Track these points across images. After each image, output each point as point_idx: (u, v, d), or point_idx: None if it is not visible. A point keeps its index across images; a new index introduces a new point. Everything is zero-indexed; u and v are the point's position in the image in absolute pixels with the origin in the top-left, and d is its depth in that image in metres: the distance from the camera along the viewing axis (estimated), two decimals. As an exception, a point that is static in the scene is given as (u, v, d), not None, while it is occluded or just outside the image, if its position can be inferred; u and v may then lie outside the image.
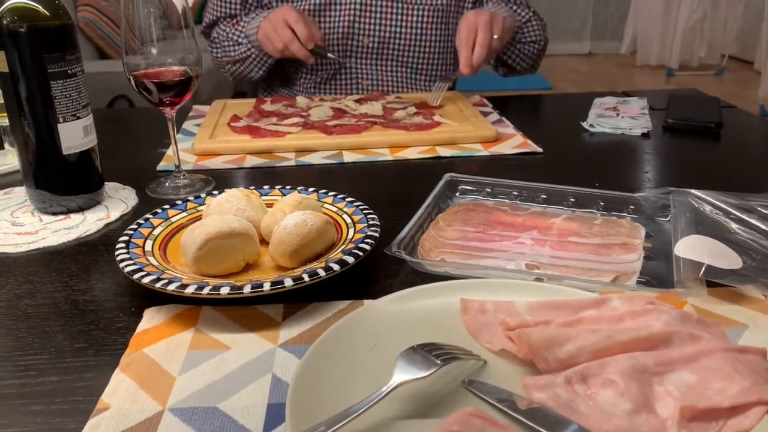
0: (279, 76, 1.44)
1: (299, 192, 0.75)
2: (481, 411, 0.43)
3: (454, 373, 0.48)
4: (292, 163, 0.97)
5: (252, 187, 0.76)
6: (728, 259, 0.60)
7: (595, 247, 0.67)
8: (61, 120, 0.75)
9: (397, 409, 0.44)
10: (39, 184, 0.78)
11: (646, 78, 5.14)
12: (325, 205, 0.72)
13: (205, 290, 0.55)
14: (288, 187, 0.77)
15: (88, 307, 0.59)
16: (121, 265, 0.59)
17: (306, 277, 0.57)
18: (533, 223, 0.72)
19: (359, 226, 0.67)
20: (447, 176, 0.82)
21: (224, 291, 0.55)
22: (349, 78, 1.39)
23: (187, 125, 1.15)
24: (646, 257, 0.65)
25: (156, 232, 0.67)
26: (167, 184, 0.87)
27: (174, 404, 0.47)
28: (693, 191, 0.74)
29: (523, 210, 0.76)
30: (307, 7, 1.31)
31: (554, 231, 0.70)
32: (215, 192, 0.74)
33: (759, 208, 0.71)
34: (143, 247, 0.64)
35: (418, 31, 1.35)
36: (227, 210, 0.67)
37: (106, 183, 0.84)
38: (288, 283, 0.56)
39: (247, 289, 0.55)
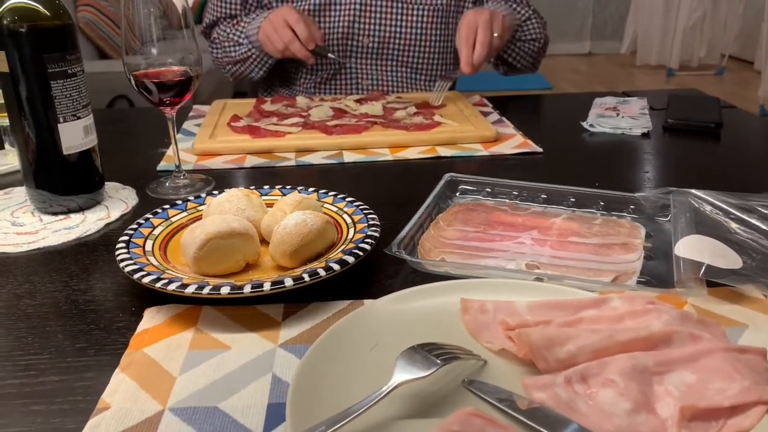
0: (279, 76, 1.44)
1: (299, 192, 0.75)
2: (481, 411, 0.43)
3: (454, 373, 0.48)
4: (292, 163, 0.97)
5: (252, 187, 0.76)
6: (728, 258, 0.60)
7: (595, 247, 0.67)
8: (61, 120, 0.75)
9: (397, 408, 0.44)
10: (39, 184, 0.78)
11: (646, 78, 5.14)
12: (326, 205, 0.72)
13: (206, 290, 0.55)
14: (288, 187, 0.77)
15: (88, 307, 0.59)
16: (122, 264, 0.59)
17: (306, 277, 0.57)
18: (533, 223, 0.72)
19: (359, 226, 0.67)
20: (447, 176, 0.82)
21: (224, 291, 0.55)
22: (349, 78, 1.39)
23: (187, 125, 1.16)
24: (646, 257, 0.65)
25: (156, 232, 0.67)
26: (167, 184, 0.87)
27: (174, 404, 0.47)
28: (693, 191, 0.74)
29: (523, 210, 0.76)
30: (306, 7, 1.31)
31: (554, 231, 0.70)
32: (215, 192, 0.74)
33: (759, 208, 0.71)
34: (143, 247, 0.64)
35: (418, 30, 1.35)
36: (227, 210, 0.67)
37: (106, 183, 0.84)
38: (288, 282, 0.56)
39: (247, 289, 0.55)
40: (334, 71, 1.38)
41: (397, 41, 1.35)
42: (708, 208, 0.72)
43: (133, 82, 0.80)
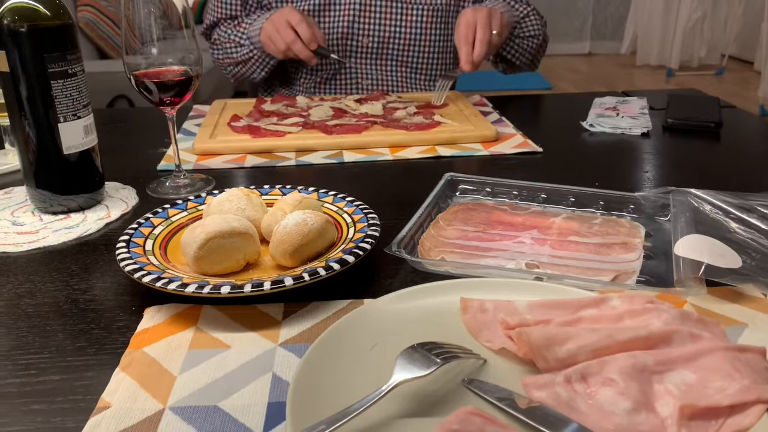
0: (279, 76, 1.44)
1: (299, 191, 0.75)
2: (481, 410, 0.43)
3: (454, 372, 0.48)
4: (293, 162, 0.97)
5: (252, 187, 0.76)
6: (728, 258, 0.60)
7: (595, 247, 0.67)
8: (61, 119, 0.75)
9: (397, 407, 0.44)
10: (39, 184, 0.78)
11: (646, 78, 5.14)
12: (326, 205, 0.72)
13: (206, 289, 0.55)
14: (288, 186, 0.77)
15: (88, 306, 0.59)
16: (122, 264, 0.59)
17: (306, 277, 0.57)
18: (533, 223, 0.72)
19: (359, 226, 0.67)
20: (447, 176, 0.82)
21: (225, 290, 0.55)
22: (348, 78, 1.39)
23: (188, 125, 1.16)
24: (645, 256, 0.65)
25: (156, 231, 0.67)
26: (168, 183, 0.87)
27: (174, 403, 0.47)
28: (693, 191, 0.74)
29: (523, 209, 0.76)
30: (306, 7, 1.31)
31: (554, 230, 0.70)
32: (215, 191, 0.74)
33: (758, 208, 0.71)
34: (144, 247, 0.64)
35: (418, 30, 1.35)
36: (227, 209, 0.67)
37: (106, 182, 0.84)
38: (288, 282, 0.56)
39: (247, 289, 0.55)
40: (334, 71, 1.38)
41: (396, 41, 1.36)
42: (708, 207, 0.72)
43: (133, 82, 0.80)
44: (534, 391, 0.45)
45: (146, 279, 0.57)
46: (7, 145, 1.00)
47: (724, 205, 0.71)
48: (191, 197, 0.74)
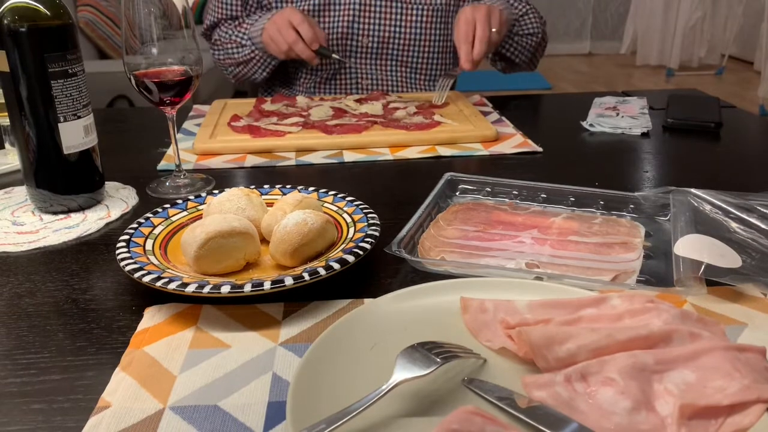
0: (279, 76, 1.44)
1: (299, 191, 0.75)
2: (481, 409, 0.43)
3: (454, 372, 0.48)
4: (293, 162, 0.97)
5: (252, 187, 0.76)
6: (728, 258, 0.60)
7: (595, 246, 0.67)
8: (61, 119, 0.75)
9: (397, 407, 0.44)
10: (40, 184, 0.78)
11: (646, 78, 5.14)
12: (326, 205, 0.72)
13: (206, 289, 0.55)
14: (288, 186, 0.77)
15: (88, 306, 0.59)
16: (122, 264, 0.59)
17: (306, 276, 0.57)
18: (533, 222, 0.72)
19: (359, 225, 0.67)
20: (447, 175, 0.82)
21: (225, 290, 0.55)
22: (348, 78, 1.39)
23: (188, 125, 1.16)
24: (645, 256, 0.65)
25: (156, 231, 0.67)
26: (168, 183, 0.87)
27: (174, 402, 0.47)
28: (693, 190, 0.74)
29: (523, 209, 0.76)
30: (306, 7, 1.31)
31: (554, 230, 0.70)
32: (216, 191, 0.74)
33: (758, 207, 0.71)
34: (144, 246, 0.64)
35: (417, 30, 1.35)
36: (228, 209, 0.67)
37: (106, 182, 0.84)
38: (288, 281, 0.56)
39: (247, 288, 0.55)
40: (334, 71, 1.38)
41: (396, 41, 1.36)
42: (707, 207, 0.72)
43: (133, 82, 0.80)
44: (534, 391, 0.45)
45: (146, 279, 0.57)
46: (7, 145, 1.00)
47: (724, 205, 0.71)
48: (191, 197, 0.74)
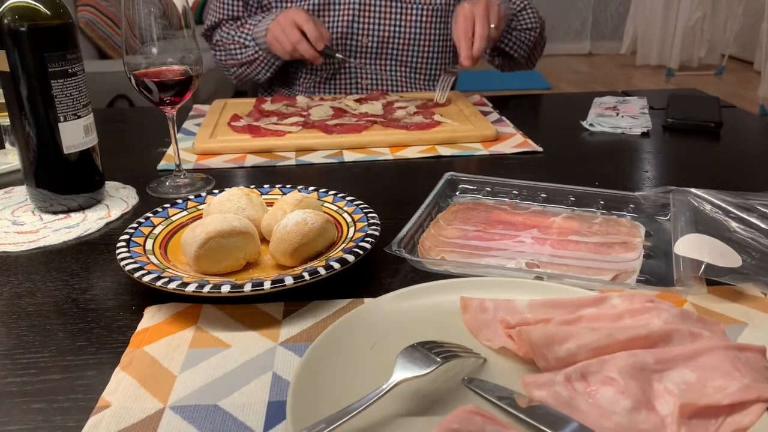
0: (279, 76, 1.44)
1: (299, 191, 0.75)
2: (481, 408, 0.43)
3: (454, 371, 0.48)
4: (293, 162, 0.97)
5: (252, 186, 0.76)
6: (728, 257, 0.60)
7: (595, 246, 0.67)
8: (61, 119, 0.75)
9: (397, 406, 0.44)
10: (40, 183, 0.78)
11: (646, 78, 5.14)
12: (326, 204, 0.72)
13: (206, 288, 0.55)
14: (288, 186, 0.77)
15: (88, 306, 0.59)
16: (122, 263, 0.59)
17: (306, 276, 0.57)
18: (533, 222, 0.72)
19: (359, 225, 0.67)
20: (447, 175, 0.82)
21: (225, 289, 0.55)
22: (348, 78, 1.39)
23: (188, 125, 1.16)
24: (645, 256, 0.65)
25: (156, 231, 0.67)
26: (168, 183, 0.87)
27: (175, 402, 0.47)
28: (693, 190, 0.74)
29: (523, 209, 0.76)
30: (306, 7, 1.31)
31: (554, 230, 0.70)
32: (216, 191, 0.74)
33: (758, 207, 0.71)
34: (144, 246, 0.64)
35: (417, 30, 1.35)
36: (228, 209, 0.67)
37: (106, 182, 0.84)
38: (288, 281, 0.56)
39: (247, 288, 0.55)
40: (334, 71, 1.38)
41: (396, 41, 1.36)
42: (708, 207, 0.72)
43: (133, 82, 0.80)
44: (534, 390, 0.45)
45: (146, 278, 0.57)
46: (7, 145, 1.00)
47: (724, 205, 0.71)
48: (191, 197, 0.74)
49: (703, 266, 0.59)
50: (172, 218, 0.70)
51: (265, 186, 0.77)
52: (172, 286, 0.55)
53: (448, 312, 0.55)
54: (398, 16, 1.34)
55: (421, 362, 0.46)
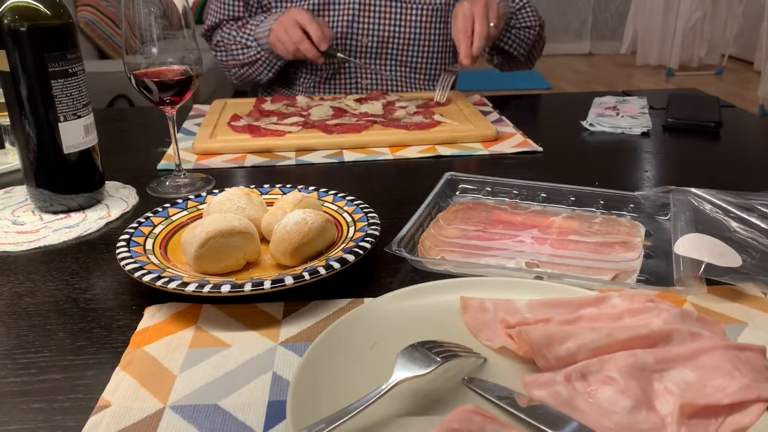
0: (279, 75, 1.44)
1: (300, 191, 0.75)
2: (481, 408, 0.43)
3: (454, 371, 0.48)
4: (293, 162, 0.97)
5: (252, 186, 0.76)
6: (728, 257, 0.60)
7: (595, 246, 0.67)
8: (61, 119, 0.75)
9: (397, 406, 0.44)
10: (40, 183, 0.78)
11: (646, 78, 5.14)
12: (326, 204, 0.72)
13: (206, 288, 0.55)
14: (288, 185, 0.77)
15: (88, 306, 0.59)
16: (122, 263, 0.59)
17: (306, 276, 0.57)
18: (533, 222, 0.72)
19: (359, 225, 0.67)
20: (447, 175, 0.82)
21: (225, 289, 0.55)
22: (348, 77, 1.39)
23: (188, 125, 1.16)
24: (645, 255, 0.65)
25: (156, 230, 0.67)
26: (168, 183, 0.87)
27: (175, 402, 0.47)
28: (693, 190, 0.74)
29: (523, 209, 0.76)
30: (306, 7, 1.31)
31: (554, 229, 0.70)
32: (216, 191, 0.74)
33: (758, 207, 0.71)
34: (144, 246, 0.64)
35: (417, 30, 1.35)
36: (228, 209, 0.67)
37: (106, 182, 0.84)
38: (288, 281, 0.56)
39: (247, 288, 0.55)
40: (334, 71, 1.38)
41: (396, 40, 1.36)
42: (708, 206, 0.72)
43: (133, 82, 0.80)
44: (534, 390, 0.45)
45: (146, 278, 0.57)
46: (7, 145, 1.00)
47: (724, 204, 0.71)
48: (191, 196, 0.74)
49: (703, 266, 0.59)
50: (172, 218, 0.70)
51: (265, 186, 0.77)
52: (172, 285, 0.55)
53: (448, 312, 0.55)
54: (398, 16, 1.34)
55: (421, 362, 0.46)
